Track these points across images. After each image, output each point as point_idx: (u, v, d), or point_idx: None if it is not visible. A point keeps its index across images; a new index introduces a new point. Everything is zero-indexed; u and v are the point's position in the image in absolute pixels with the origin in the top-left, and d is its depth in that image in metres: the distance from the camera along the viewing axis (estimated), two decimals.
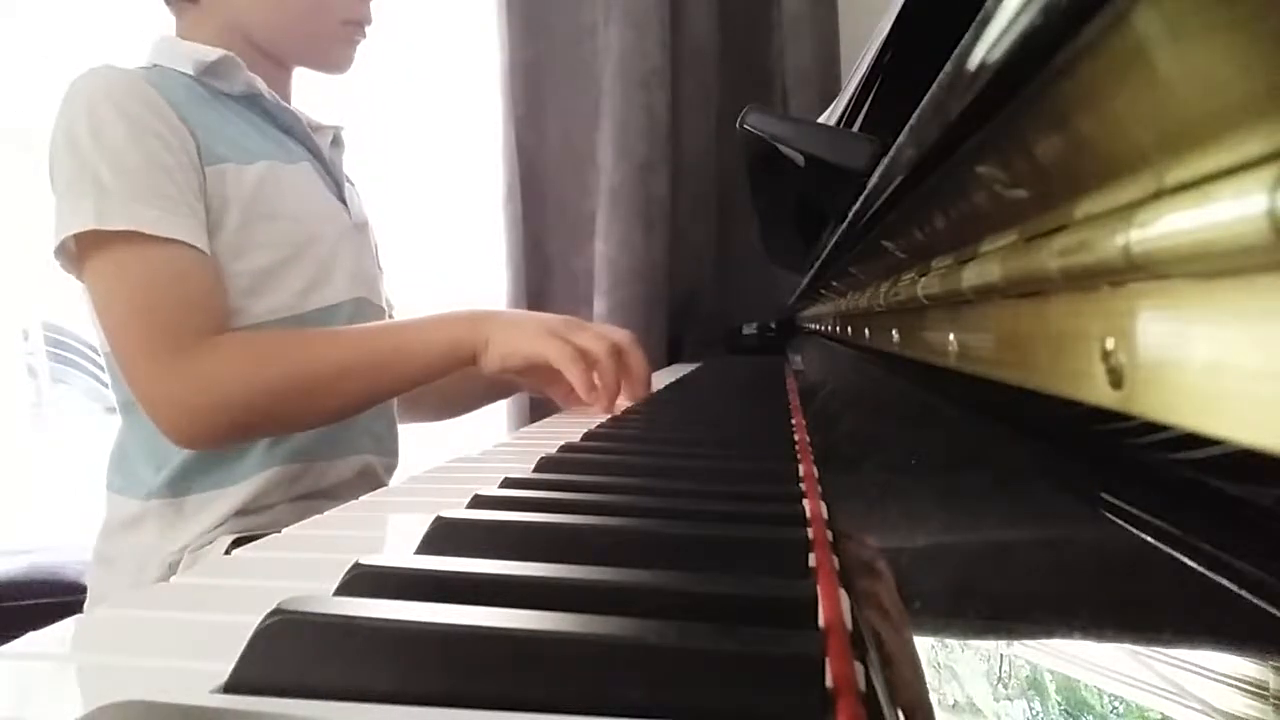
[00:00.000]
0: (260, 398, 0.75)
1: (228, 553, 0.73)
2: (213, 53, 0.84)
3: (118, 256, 0.74)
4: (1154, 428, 0.14)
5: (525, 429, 0.81)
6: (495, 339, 0.78)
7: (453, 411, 1.09)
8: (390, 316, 1.01)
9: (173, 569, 0.79)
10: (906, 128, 0.25)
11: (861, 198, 0.38)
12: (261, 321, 0.82)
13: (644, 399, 0.80)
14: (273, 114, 0.88)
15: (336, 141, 0.97)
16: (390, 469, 0.96)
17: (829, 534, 0.31)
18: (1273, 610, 0.11)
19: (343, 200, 0.92)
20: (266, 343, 0.79)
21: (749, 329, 1.55)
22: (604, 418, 0.69)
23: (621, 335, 0.80)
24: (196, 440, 0.77)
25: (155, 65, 0.84)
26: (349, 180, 0.97)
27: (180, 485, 0.81)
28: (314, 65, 0.94)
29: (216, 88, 0.85)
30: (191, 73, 0.83)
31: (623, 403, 0.78)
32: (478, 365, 0.79)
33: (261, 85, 0.87)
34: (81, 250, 0.75)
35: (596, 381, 0.76)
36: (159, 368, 0.74)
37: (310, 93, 0.98)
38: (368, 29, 0.93)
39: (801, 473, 0.42)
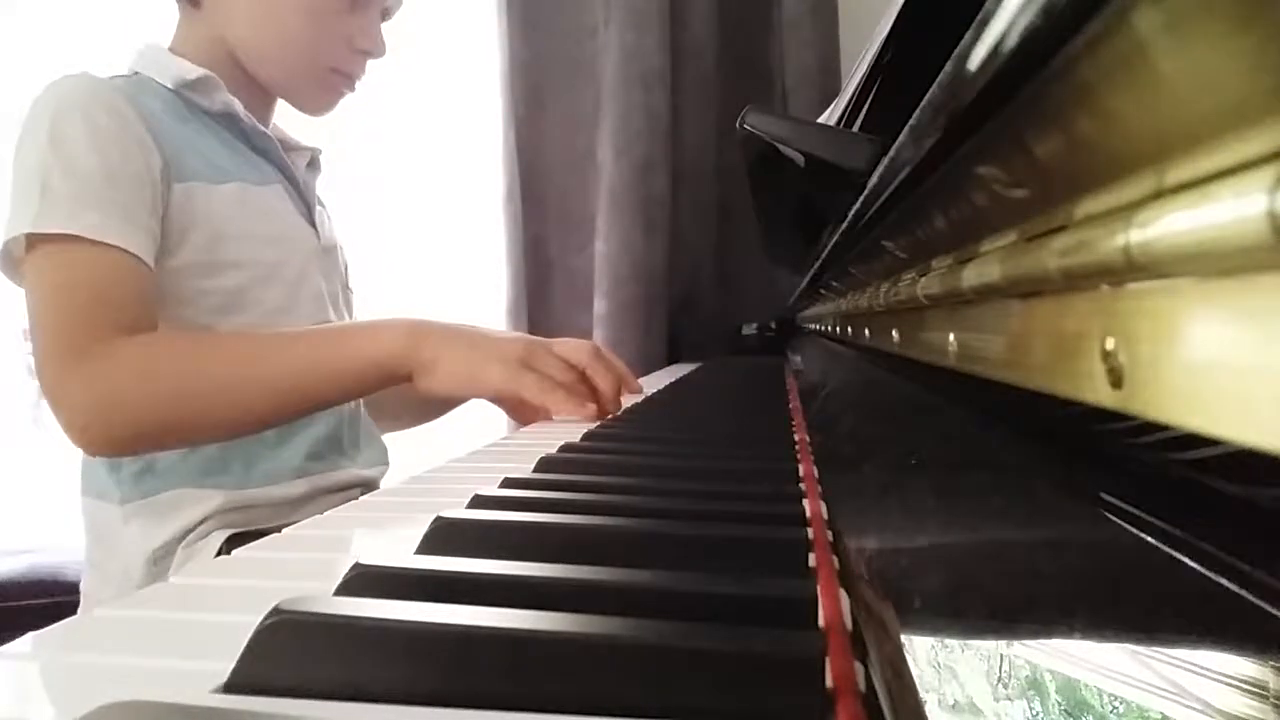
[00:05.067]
0: (156, 401, 0.71)
1: (223, 550, 0.74)
2: (194, 70, 0.83)
3: (51, 259, 0.72)
4: (1154, 428, 0.14)
5: (525, 429, 0.81)
6: (446, 360, 0.71)
7: (432, 416, 1.08)
8: None
9: (158, 565, 0.78)
10: (906, 128, 0.25)
11: (861, 198, 0.38)
12: None
13: (636, 392, 0.81)
14: (248, 135, 0.88)
15: (313, 164, 0.96)
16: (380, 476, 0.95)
17: (829, 534, 0.31)
18: (1273, 610, 0.11)
19: (312, 223, 0.92)
20: (167, 344, 0.74)
21: (749, 329, 1.55)
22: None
23: (584, 352, 0.75)
24: (97, 445, 0.73)
25: (136, 74, 0.84)
26: (320, 203, 0.96)
27: (147, 485, 0.79)
28: (291, 101, 0.93)
29: (195, 103, 0.84)
30: (171, 86, 0.83)
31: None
32: (414, 384, 0.72)
33: (238, 107, 0.86)
34: (23, 256, 0.74)
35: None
36: (59, 368, 0.71)
37: None
38: (356, 83, 0.92)
39: (801, 473, 0.42)
